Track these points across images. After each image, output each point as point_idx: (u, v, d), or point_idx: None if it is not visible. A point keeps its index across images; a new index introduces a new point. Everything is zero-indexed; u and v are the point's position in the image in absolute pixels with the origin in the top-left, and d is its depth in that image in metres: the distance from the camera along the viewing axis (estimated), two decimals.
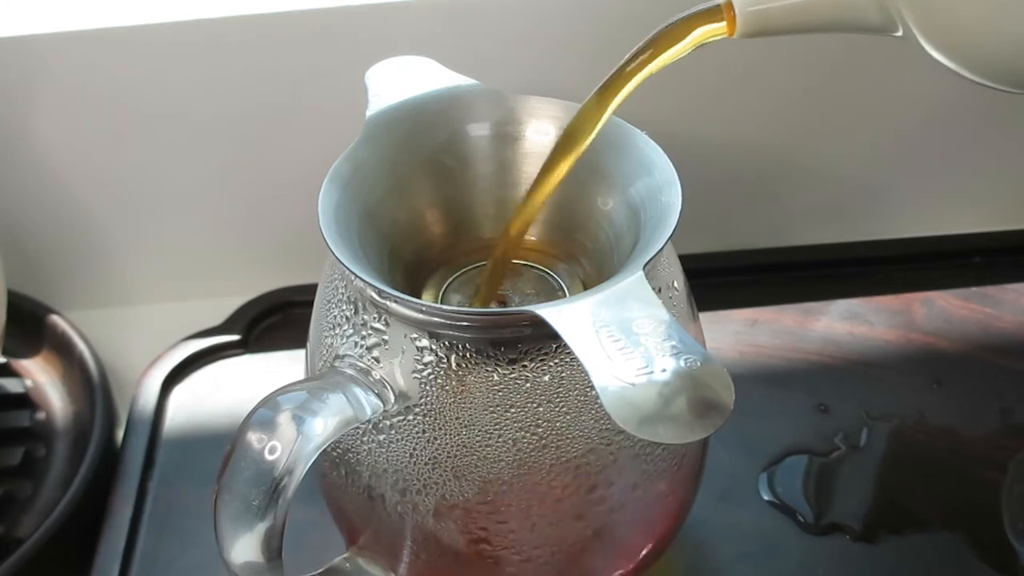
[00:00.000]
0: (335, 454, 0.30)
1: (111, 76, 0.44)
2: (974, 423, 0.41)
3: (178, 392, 0.44)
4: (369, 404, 0.26)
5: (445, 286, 0.32)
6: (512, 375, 0.27)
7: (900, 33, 0.25)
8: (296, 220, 0.45)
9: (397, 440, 0.28)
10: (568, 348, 0.22)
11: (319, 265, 0.30)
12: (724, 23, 0.26)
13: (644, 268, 0.25)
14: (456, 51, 0.43)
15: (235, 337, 0.46)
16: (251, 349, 0.46)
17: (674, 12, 0.27)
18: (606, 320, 0.23)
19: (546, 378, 0.27)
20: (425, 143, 0.31)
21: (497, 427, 0.27)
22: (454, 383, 0.27)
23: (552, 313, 0.23)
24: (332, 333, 0.28)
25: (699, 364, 0.22)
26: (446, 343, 0.26)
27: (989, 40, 0.24)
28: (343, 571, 0.32)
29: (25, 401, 0.45)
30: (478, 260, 0.32)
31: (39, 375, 0.46)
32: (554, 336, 0.23)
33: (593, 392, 0.26)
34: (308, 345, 0.31)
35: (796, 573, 0.37)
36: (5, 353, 0.46)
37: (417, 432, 0.27)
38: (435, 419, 0.27)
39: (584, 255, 0.31)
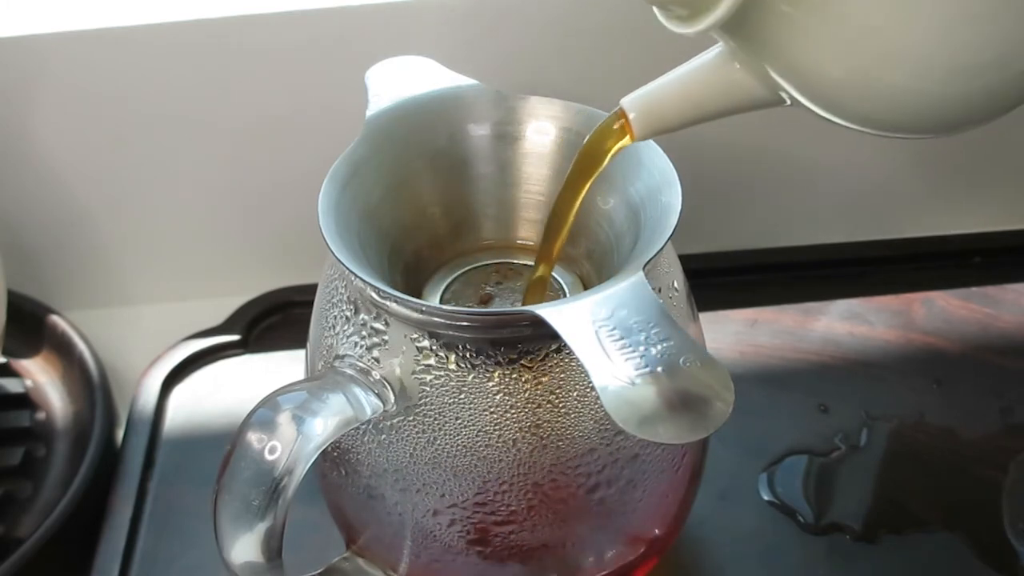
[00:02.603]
0: (335, 454, 0.30)
1: (111, 76, 0.44)
2: (974, 423, 0.41)
3: (178, 392, 0.44)
4: (369, 404, 0.26)
5: (445, 286, 0.32)
6: (512, 375, 0.27)
7: (789, 103, 0.25)
8: (296, 220, 0.45)
9: (397, 440, 0.28)
10: (568, 348, 0.22)
11: (319, 265, 0.30)
12: (626, 134, 0.27)
13: (644, 268, 0.25)
14: (456, 51, 0.42)
15: (235, 337, 0.46)
16: (251, 349, 0.46)
17: None
18: (606, 320, 0.23)
19: (546, 378, 0.27)
20: (425, 143, 0.31)
21: (497, 427, 0.27)
22: (454, 383, 0.27)
23: (552, 313, 0.23)
24: (332, 333, 0.28)
25: (699, 364, 0.22)
26: (446, 343, 0.26)
27: (866, 90, 0.24)
28: (343, 571, 0.32)
29: (25, 401, 0.45)
30: (478, 260, 0.32)
31: (39, 375, 0.46)
32: (554, 336, 0.23)
33: (593, 392, 0.26)
34: (308, 345, 0.31)
35: (796, 573, 0.37)
36: (5, 353, 0.46)
37: (417, 432, 0.27)
38: (435, 419, 0.27)
39: (584, 255, 0.31)
